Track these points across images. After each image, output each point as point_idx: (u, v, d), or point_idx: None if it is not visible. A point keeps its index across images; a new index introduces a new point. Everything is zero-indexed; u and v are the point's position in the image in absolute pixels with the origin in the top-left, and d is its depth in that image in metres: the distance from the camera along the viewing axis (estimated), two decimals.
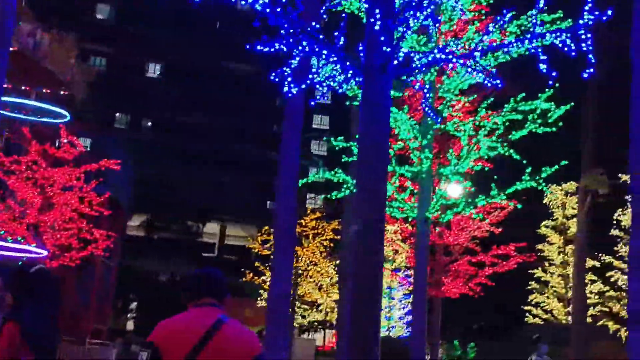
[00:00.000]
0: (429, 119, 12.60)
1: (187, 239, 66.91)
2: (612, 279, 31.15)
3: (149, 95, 69.39)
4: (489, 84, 7.05)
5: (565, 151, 16.60)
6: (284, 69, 7.73)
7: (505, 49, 7.15)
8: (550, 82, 11.02)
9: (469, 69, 7.00)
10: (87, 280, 25.20)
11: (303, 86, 8.16)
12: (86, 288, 25.25)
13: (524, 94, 12.89)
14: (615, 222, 31.54)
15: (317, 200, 54.77)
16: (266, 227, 23.71)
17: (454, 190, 17.60)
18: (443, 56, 6.80)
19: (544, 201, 36.34)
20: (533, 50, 7.16)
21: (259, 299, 32.79)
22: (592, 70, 7.58)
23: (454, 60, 6.84)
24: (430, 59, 6.85)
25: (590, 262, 35.84)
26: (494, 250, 19.47)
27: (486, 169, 13.02)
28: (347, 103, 13.24)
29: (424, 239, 12.76)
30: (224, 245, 71.47)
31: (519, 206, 13.29)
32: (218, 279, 3.67)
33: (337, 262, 26.31)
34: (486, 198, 12.84)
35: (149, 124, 72.16)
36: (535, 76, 7.83)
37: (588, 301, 37.05)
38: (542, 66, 7.25)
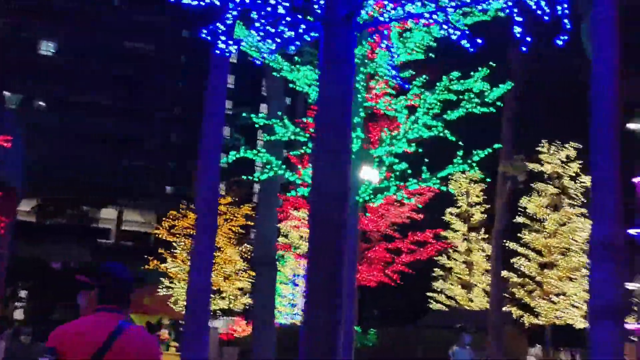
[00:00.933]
0: (359, 95, 11.65)
1: (82, 224, 63.83)
2: (516, 265, 31.39)
3: (43, 73, 65.65)
4: (463, 44, 6.14)
5: (488, 135, 15.93)
6: (217, 25, 6.52)
7: (480, 6, 6.29)
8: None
9: (442, 26, 6.06)
10: None
11: (235, 48, 6.98)
12: None
13: (458, 74, 12.15)
14: (521, 209, 31.75)
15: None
16: (173, 212, 22.15)
17: (371, 174, 16.77)
18: (416, 7, 5.82)
19: (449, 188, 36.30)
20: (508, 11, 6.33)
21: (160, 287, 31.14)
22: (566, 37, 6.79)
23: (427, 14, 5.89)
24: (403, 11, 5.86)
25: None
26: (411, 237, 18.84)
27: (420, 150, 12.18)
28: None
29: (353, 225, 11.80)
30: (121, 231, 68.72)
31: (444, 188, 12.59)
32: (124, 284, 3.55)
33: (245, 248, 25.13)
34: (419, 182, 12.03)
35: (43, 103, 68.33)
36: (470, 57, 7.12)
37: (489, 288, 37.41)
38: (517, 29, 6.41)
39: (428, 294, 37.67)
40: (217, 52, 6.86)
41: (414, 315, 36.00)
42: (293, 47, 6.27)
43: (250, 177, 12.32)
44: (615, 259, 7.61)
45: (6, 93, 66.09)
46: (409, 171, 12.02)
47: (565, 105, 31.16)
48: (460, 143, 11.77)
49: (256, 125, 12.72)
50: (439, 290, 37.56)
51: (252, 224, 22.28)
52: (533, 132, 29.51)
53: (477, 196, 36.82)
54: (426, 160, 12.23)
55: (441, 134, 11.87)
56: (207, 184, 9.93)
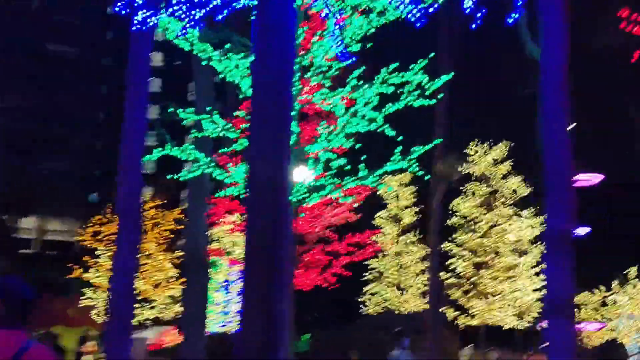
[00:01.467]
0: (293, 89, 10.91)
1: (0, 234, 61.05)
2: (451, 267, 31.25)
3: None
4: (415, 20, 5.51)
5: (422, 135, 15.46)
6: None
7: None
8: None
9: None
10: None
11: (155, 19, 6.16)
12: None
13: (396, 64, 11.57)
14: (451, 211, 31.61)
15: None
16: (98, 216, 20.74)
17: (305, 173, 16.16)
18: None
19: (378, 193, 36.10)
20: None
21: (83, 297, 29.73)
22: (517, 15, 6.27)
23: None
24: None
25: (424, 251, 36.01)
26: (349, 239, 18.25)
27: (357, 146, 11.53)
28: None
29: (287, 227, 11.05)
30: (43, 241, 66.12)
31: (390, 189, 12.00)
32: (19, 299, 3.34)
33: (176, 254, 23.99)
34: (356, 180, 11.40)
35: None
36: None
37: (425, 289, 37.32)
38: (467, 4, 5.84)
39: (361, 298, 37.24)
40: (136, 25, 6.00)
41: (347, 319, 35.47)
42: (221, 16, 5.53)
43: (176, 176, 11.46)
44: (570, 253, 7.25)
45: None
46: (347, 168, 11.39)
47: (495, 105, 31.29)
48: (400, 138, 11.20)
49: (183, 122, 11.86)
50: (372, 293, 37.18)
51: (183, 227, 21.22)
52: (465, 132, 29.41)
53: (407, 199, 36.59)
54: (363, 157, 11.61)
55: (380, 129, 11.26)
56: (129, 181, 9.05)
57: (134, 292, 8.89)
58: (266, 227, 5.22)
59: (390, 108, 11.32)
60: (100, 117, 69.13)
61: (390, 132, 11.31)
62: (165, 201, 22.81)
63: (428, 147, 11.81)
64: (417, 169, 11.72)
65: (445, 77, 11.36)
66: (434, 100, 11.27)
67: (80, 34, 67.12)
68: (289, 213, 11.31)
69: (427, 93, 11.23)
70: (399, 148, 11.60)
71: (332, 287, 18.51)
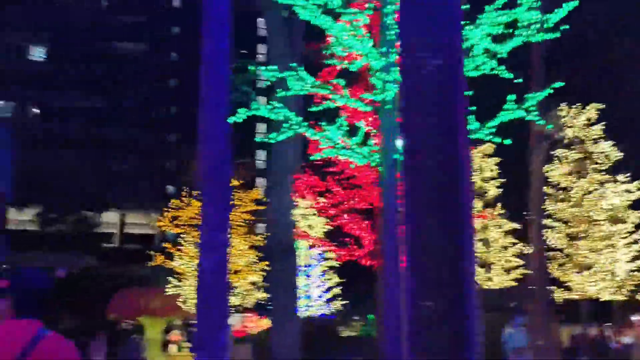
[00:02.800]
0: (387, 32, 9.37)
1: (83, 230, 61.50)
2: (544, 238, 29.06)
3: (33, 80, 63.27)
4: None
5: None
6: None
7: None
8: None
9: None
10: None
11: None
12: None
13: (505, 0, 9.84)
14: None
15: None
16: (175, 201, 19.49)
17: None
18: None
19: None
20: None
21: (167, 286, 28.86)
22: None
23: None
24: None
25: (510, 225, 33.88)
26: None
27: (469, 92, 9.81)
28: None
29: (392, 191, 9.51)
30: (124, 235, 66.44)
31: (498, 140, 10.25)
32: (37, 291, 3.36)
33: (257, 238, 22.65)
34: (471, 133, 9.74)
35: (36, 110, 65.91)
36: None
37: (509, 265, 35.21)
38: None
39: None
40: None
41: None
42: None
43: (267, 139, 10.04)
44: None
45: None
46: None
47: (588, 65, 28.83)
48: (518, 80, 9.48)
49: (267, 82, 10.38)
50: None
51: (264, 207, 19.78)
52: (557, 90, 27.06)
53: (492, 170, 34.54)
54: (472, 108, 9.89)
55: (494, 71, 9.57)
56: (212, 146, 7.58)
57: (226, 269, 7.42)
58: (443, 224, 3.52)
59: (504, 46, 9.59)
60: (172, 111, 68.95)
61: (507, 75, 9.64)
62: (243, 181, 21.35)
63: (546, 92, 10.05)
64: (538, 117, 9.98)
65: (570, 4, 9.49)
66: (557, 34, 9.49)
67: (146, 31, 66.92)
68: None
69: (547, 26, 9.47)
70: (512, 96, 9.88)
71: None
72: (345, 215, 16.10)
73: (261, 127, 65.79)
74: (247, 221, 20.22)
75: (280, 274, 12.56)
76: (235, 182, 19.32)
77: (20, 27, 63.11)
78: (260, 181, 56.39)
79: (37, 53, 66.39)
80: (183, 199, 19.21)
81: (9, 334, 3.22)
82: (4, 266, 46.63)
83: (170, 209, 19.33)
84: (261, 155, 66.94)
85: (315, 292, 37.58)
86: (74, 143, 63.45)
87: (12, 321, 3.30)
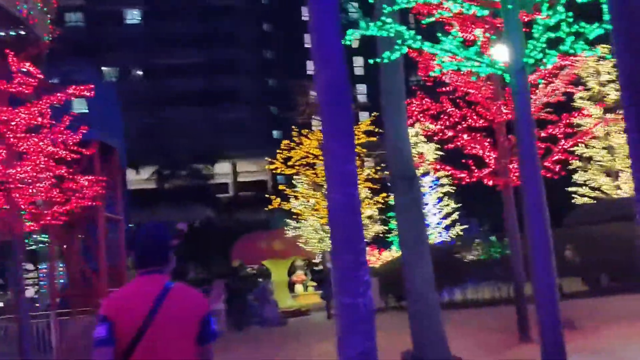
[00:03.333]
0: None
1: (198, 183, 62.95)
2: None
3: (132, 42, 64.39)
4: None
5: None
6: None
7: None
8: None
9: None
10: (91, 241, 21.19)
11: None
12: (92, 250, 21.22)
13: None
14: None
15: None
16: (285, 141, 18.82)
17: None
18: None
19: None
20: None
21: (286, 228, 28.89)
22: None
23: None
24: None
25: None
26: (567, 118, 15.32)
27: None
28: None
29: (524, 99, 8.54)
30: (237, 183, 67.59)
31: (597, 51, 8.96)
32: (160, 244, 3.47)
33: (369, 170, 21.90)
34: (599, 26, 8.56)
35: (139, 72, 67.24)
36: None
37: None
38: None
39: (570, 188, 33.71)
40: None
41: (558, 215, 32.11)
42: None
43: (377, 60, 9.23)
44: None
45: (103, 68, 65.37)
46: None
47: None
48: None
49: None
50: (580, 183, 33.55)
51: (375, 139, 18.89)
52: None
53: (609, 73, 32.27)
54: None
55: None
56: (330, 70, 6.87)
57: (359, 202, 6.78)
58: None
59: None
60: (268, 55, 68.69)
61: None
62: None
63: None
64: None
65: None
66: None
67: None
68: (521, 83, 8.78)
69: None
70: None
71: (556, 176, 15.69)
72: (465, 136, 15.12)
73: (358, 61, 64.68)
74: (358, 154, 19.29)
75: (408, 205, 11.78)
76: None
77: None
78: (364, 115, 55.60)
79: (133, 16, 67.32)
80: (294, 138, 18.62)
81: (139, 290, 3.37)
82: (130, 225, 48.55)
83: (282, 150, 18.83)
84: (361, 89, 65.99)
85: (434, 220, 36.79)
86: (180, 99, 64.50)
87: (141, 277, 3.44)
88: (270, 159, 20.33)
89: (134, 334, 3.26)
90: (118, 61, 63.82)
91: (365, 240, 6.42)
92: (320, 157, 18.31)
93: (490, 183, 15.55)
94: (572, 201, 33.79)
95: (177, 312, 3.34)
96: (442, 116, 15.64)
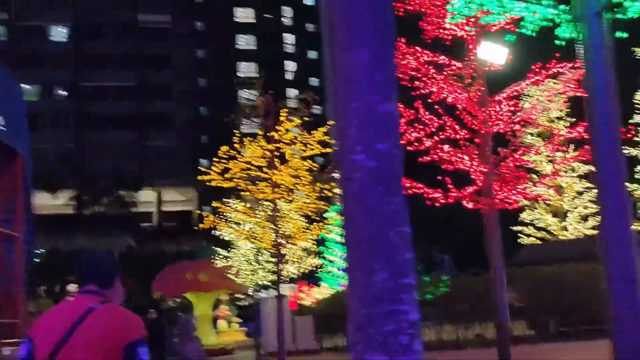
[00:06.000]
0: None
1: (120, 211, 58.45)
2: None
3: (57, 60, 59.93)
4: None
5: None
6: None
7: None
8: None
9: None
10: None
11: None
12: None
13: None
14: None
15: None
16: (225, 148, 15.37)
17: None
18: None
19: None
20: None
21: (214, 257, 25.31)
22: None
23: None
24: None
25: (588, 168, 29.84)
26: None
27: None
28: None
29: (601, 54, 5.71)
30: (162, 212, 63.29)
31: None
32: (102, 266, 3.31)
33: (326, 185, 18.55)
34: None
35: (62, 92, 62.57)
36: None
37: (585, 212, 31.28)
38: None
39: (516, 227, 31.42)
40: None
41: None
42: None
43: None
44: None
45: (24, 86, 60.49)
46: None
47: None
48: None
49: None
50: (527, 222, 31.29)
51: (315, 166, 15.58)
52: None
53: (561, 110, 30.26)
54: None
55: None
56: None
57: None
58: None
59: None
60: (200, 84, 65.30)
61: None
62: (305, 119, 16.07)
63: None
64: None
65: None
66: None
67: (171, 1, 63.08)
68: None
69: None
70: None
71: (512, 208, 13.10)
72: (446, 147, 12.20)
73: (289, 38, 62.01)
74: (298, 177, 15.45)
75: None
76: (296, 121, 14.95)
77: (41, 7, 59.78)
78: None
79: (59, 33, 62.93)
80: (235, 144, 15.20)
81: (64, 309, 3.21)
82: (41, 250, 44.04)
83: (218, 160, 15.43)
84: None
85: None
86: (106, 122, 60.31)
87: (75, 296, 3.24)
88: (204, 169, 16.79)
89: (46, 355, 3.02)
90: (40, 78, 59.08)
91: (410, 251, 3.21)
92: (265, 170, 14.99)
93: (470, 205, 12.66)
94: (518, 240, 31.53)
95: (97, 335, 3.02)
96: (415, 124, 12.73)
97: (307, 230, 18.49)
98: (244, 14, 65.32)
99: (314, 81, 58.46)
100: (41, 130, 54.33)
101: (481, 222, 12.91)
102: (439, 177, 12.73)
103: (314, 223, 17.54)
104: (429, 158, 12.50)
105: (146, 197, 61.09)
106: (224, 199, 19.60)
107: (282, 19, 65.77)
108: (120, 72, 61.04)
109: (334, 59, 3.37)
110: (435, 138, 12.56)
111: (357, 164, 3.25)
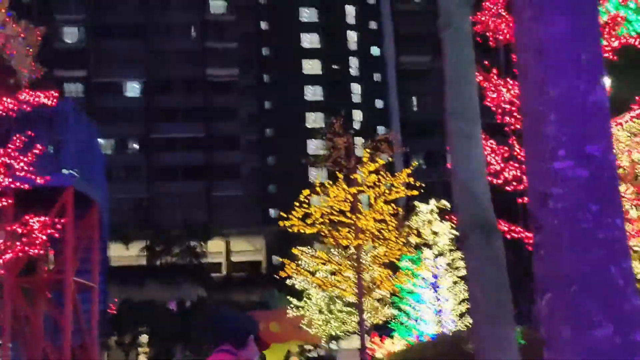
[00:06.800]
0: None
1: (191, 261, 58.32)
2: None
3: (130, 114, 61.08)
4: None
5: None
6: None
7: None
8: None
9: None
10: (57, 312, 16.68)
11: None
12: (58, 324, 16.64)
13: None
14: None
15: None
16: (305, 191, 14.38)
17: None
18: None
19: None
20: None
21: (286, 307, 24.44)
22: None
23: None
24: None
25: None
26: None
27: None
28: None
29: None
30: (231, 263, 62.89)
31: None
32: (238, 326, 3.46)
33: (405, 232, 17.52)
34: None
35: (135, 145, 63.56)
36: None
37: None
38: None
39: None
40: None
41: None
42: None
43: None
44: None
45: (100, 140, 61.71)
46: None
47: None
48: None
49: None
50: None
51: (416, 193, 14.38)
52: None
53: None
54: None
55: None
56: None
57: None
58: None
59: None
60: (267, 133, 65.41)
61: None
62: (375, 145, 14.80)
63: None
64: None
65: None
66: None
67: (235, 55, 63.81)
68: None
69: None
70: None
71: None
72: None
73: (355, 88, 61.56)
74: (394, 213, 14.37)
75: (485, 266, 7.27)
76: (374, 163, 13.93)
77: (115, 64, 61.30)
78: None
79: (132, 88, 64.33)
80: (317, 189, 14.34)
81: None
82: (115, 300, 43.95)
83: (299, 204, 14.54)
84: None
85: (447, 307, 32.25)
86: (174, 173, 60.80)
87: (213, 354, 3.40)
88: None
89: None
90: (114, 132, 60.20)
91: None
92: (349, 214, 14.05)
93: None
94: None
95: None
96: (510, 162, 11.69)
97: (393, 278, 17.45)
98: (310, 66, 65.53)
99: (380, 129, 57.79)
100: (115, 183, 55.13)
101: None
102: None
103: (399, 270, 16.53)
104: (521, 200, 11.43)
105: (215, 248, 60.89)
106: (298, 247, 18.79)
107: (350, 69, 65.71)
108: (189, 124, 61.83)
109: (521, 31, 2.52)
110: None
111: (561, 174, 2.34)
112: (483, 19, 11.46)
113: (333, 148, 15.38)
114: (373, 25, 65.59)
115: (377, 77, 64.62)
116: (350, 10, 65.97)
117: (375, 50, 65.43)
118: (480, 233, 7.55)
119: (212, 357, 3.31)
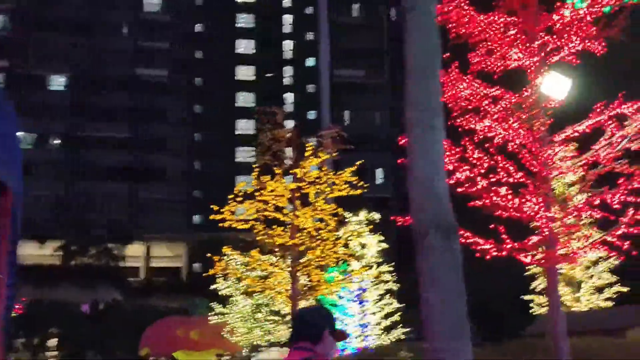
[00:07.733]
0: None
1: (107, 263, 55.74)
2: None
3: (53, 109, 58.24)
4: None
5: None
6: None
7: None
8: None
9: None
10: None
11: None
12: None
13: None
14: None
15: None
16: (241, 183, 13.26)
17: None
18: None
19: None
20: None
21: (210, 315, 23.05)
22: None
23: None
24: None
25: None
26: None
27: None
28: None
29: None
30: (150, 268, 60.54)
31: None
32: (307, 319, 3.48)
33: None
34: None
35: (57, 141, 60.60)
36: None
37: (601, 283, 29.53)
38: None
39: (527, 297, 29.48)
40: None
41: (519, 325, 27.23)
42: None
43: None
44: None
45: (20, 133, 58.46)
46: None
47: None
48: None
49: None
50: (539, 291, 29.33)
51: (362, 191, 13.44)
52: None
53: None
54: None
55: None
56: None
57: None
58: None
59: None
60: (196, 138, 63.64)
61: None
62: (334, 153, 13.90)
63: None
64: None
65: None
66: None
67: (168, 55, 61.96)
68: None
69: None
70: None
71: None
72: (503, 189, 10.37)
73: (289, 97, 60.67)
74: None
75: (444, 268, 6.21)
76: (315, 158, 12.87)
77: (42, 57, 58.46)
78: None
79: (57, 83, 61.45)
80: (253, 182, 13.16)
81: None
82: (22, 299, 41.27)
83: (233, 197, 13.30)
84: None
85: (372, 320, 31.43)
86: (96, 173, 58.28)
87: (291, 352, 3.44)
88: (217, 208, 14.67)
89: None
90: (37, 127, 57.17)
91: None
92: (286, 212, 12.97)
93: (528, 259, 10.73)
94: (530, 311, 29.48)
95: None
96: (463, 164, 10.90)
97: (328, 284, 16.34)
98: (244, 72, 64.34)
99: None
100: (34, 179, 52.34)
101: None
102: (492, 226, 10.84)
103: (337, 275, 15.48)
104: (480, 202, 10.65)
105: (134, 252, 58.51)
106: (224, 248, 17.48)
107: (284, 78, 64.87)
108: (117, 123, 59.51)
109: None
110: (487, 180, 10.75)
111: None
112: (446, 9, 10.67)
113: (273, 139, 14.27)
114: (310, 35, 64.96)
115: (310, 88, 63.90)
116: (287, 19, 65.26)
117: (310, 61, 64.76)
118: (440, 233, 6.40)
119: (289, 356, 3.31)
